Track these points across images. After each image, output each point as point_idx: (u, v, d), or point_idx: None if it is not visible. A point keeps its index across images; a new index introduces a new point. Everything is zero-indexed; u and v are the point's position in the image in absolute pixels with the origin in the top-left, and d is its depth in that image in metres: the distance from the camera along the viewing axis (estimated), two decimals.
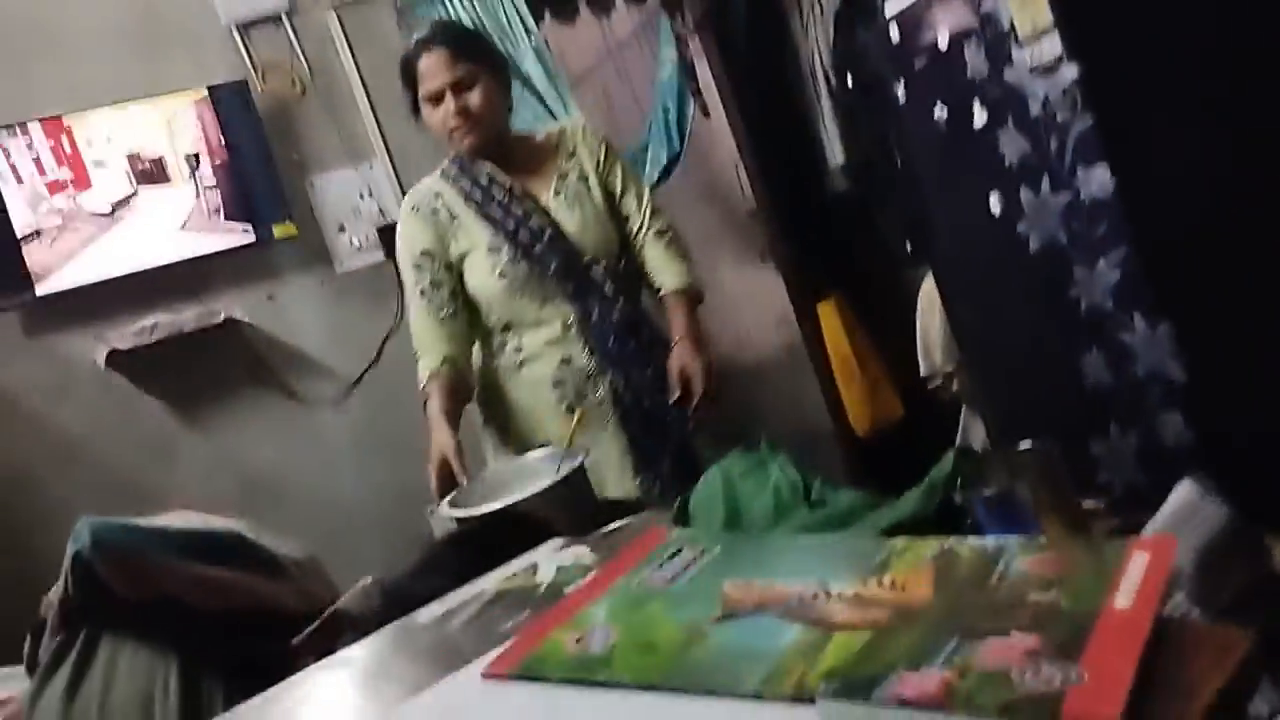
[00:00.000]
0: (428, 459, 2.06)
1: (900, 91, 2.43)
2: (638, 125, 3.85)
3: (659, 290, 2.28)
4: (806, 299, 3.39)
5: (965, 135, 2.27)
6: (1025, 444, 1.02)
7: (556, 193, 2.25)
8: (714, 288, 3.91)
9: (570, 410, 2.18)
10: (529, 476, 2.05)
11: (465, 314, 2.23)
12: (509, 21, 3.57)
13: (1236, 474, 1.99)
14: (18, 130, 2.98)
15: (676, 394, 2.16)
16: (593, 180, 2.27)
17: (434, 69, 2.16)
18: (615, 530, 1.55)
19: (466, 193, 2.23)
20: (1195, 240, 2.03)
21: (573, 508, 1.86)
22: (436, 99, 2.17)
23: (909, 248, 2.87)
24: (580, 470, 1.93)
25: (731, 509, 1.42)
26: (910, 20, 2.37)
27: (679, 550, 1.02)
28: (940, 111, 2.33)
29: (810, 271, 3.39)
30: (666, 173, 3.55)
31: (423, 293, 2.20)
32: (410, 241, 2.23)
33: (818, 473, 1.63)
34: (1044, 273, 2.21)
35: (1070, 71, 2.02)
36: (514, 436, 2.28)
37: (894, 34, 2.40)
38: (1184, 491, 0.87)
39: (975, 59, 2.20)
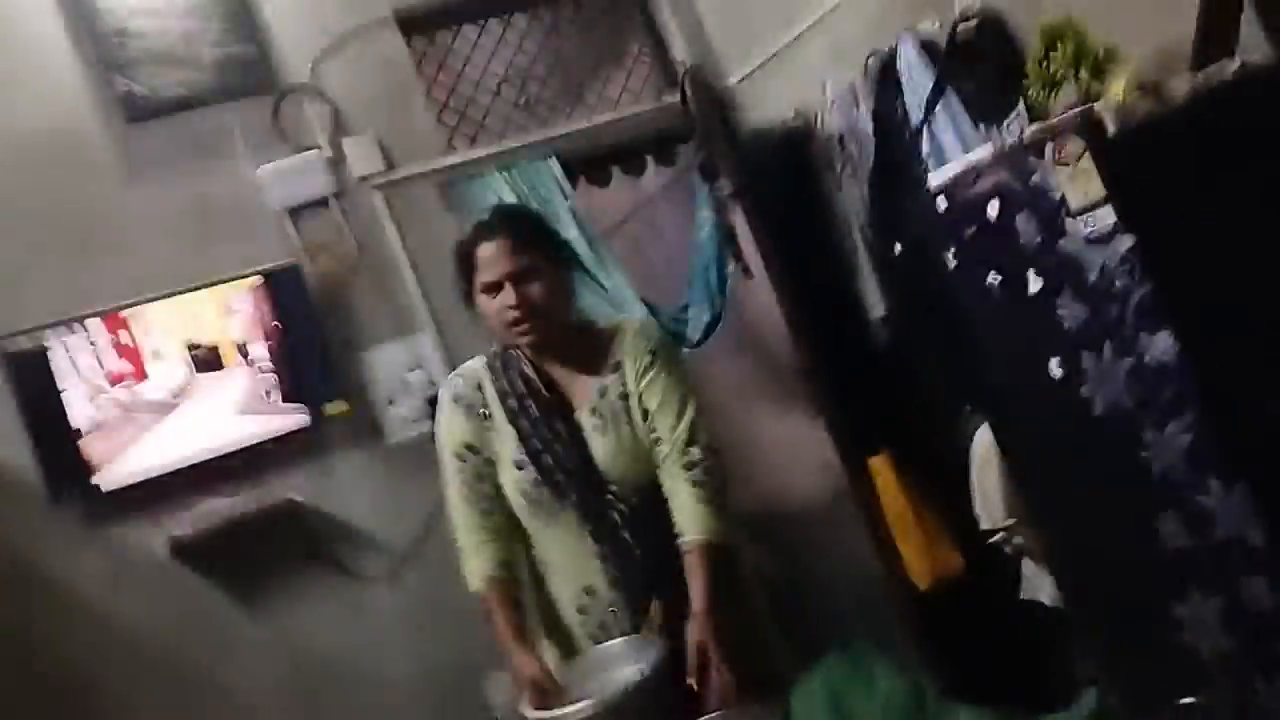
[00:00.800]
0: (514, 680, 2.04)
1: (950, 258, 2.48)
2: (669, 280, 3.92)
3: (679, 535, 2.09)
4: (855, 452, 3.39)
5: (1021, 301, 2.30)
6: (1186, 700, 1.00)
7: (593, 411, 2.15)
8: (757, 441, 3.93)
9: (595, 640, 2.12)
10: (608, 669, 2.04)
11: (508, 509, 2.18)
12: (548, 190, 3.67)
13: None
14: (77, 326, 3.04)
15: (693, 678, 1.95)
16: (633, 399, 2.15)
17: (494, 258, 2.10)
18: None
19: (504, 393, 2.17)
20: (1266, 401, 2.04)
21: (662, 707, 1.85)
22: (494, 288, 2.11)
23: (968, 406, 2.88)
24: (660, 669, 1.91)
25: None
26: (956, 190, 2.43)
27: None
28: (993, 278, 2.36)
29: (857, 424, 3.40)
30: (709, 332, 3.59)
31: (464, 484, 2.16)
32: (450, 433, 2.19)
33: (890, 644, 1.61)
34: (1112, 436, 2.21)
35: (1125, 241, 2.06)
36: (554, 632, 2.22)
37: (940, 204, 2.45)
38: None
39: (1027, 228, 2.24)
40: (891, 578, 3.22)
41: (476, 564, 2.14)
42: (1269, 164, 2.11)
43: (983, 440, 2.82)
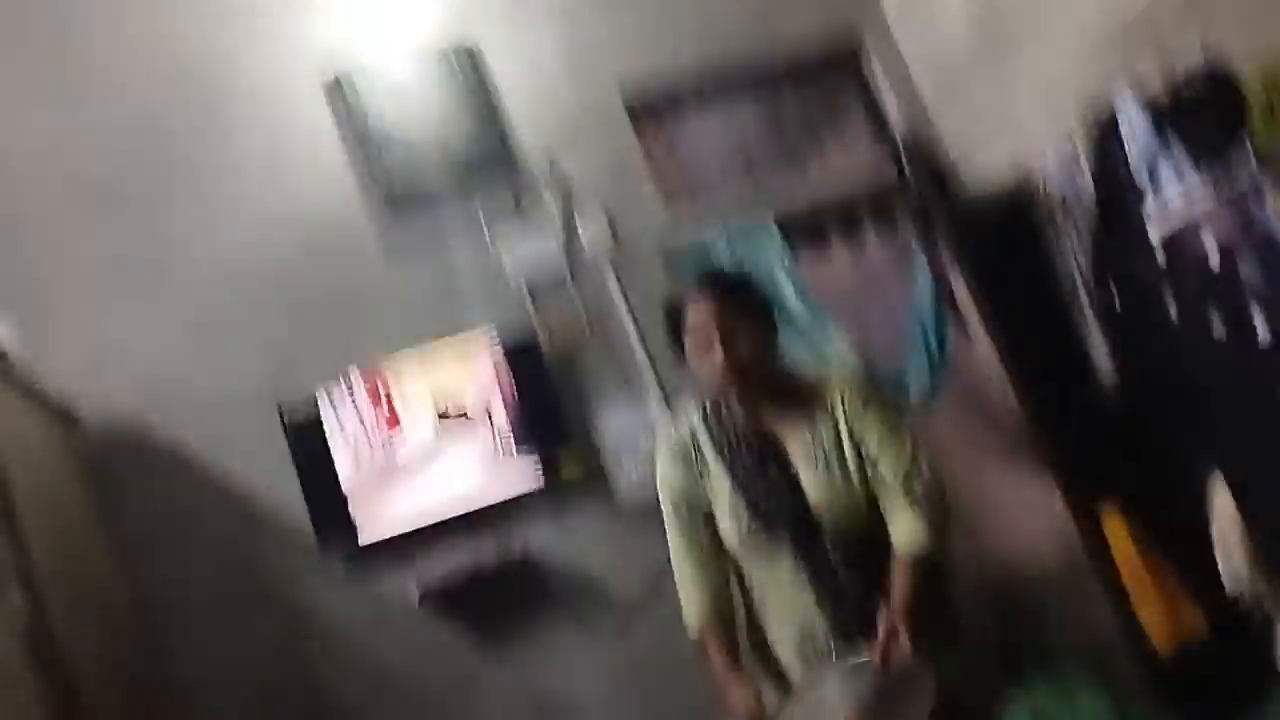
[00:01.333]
0: (730, 713, 2.13)
1: (1173, 310, 2.44)
2: (894, 348, 3.95)
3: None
4: (1085, 509, 3.31)
5: (1250, 348, 2.25)
6: None
7: (806, 455, 2.23)
8: (984, 503, 3.88)
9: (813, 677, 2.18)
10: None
11: (725, 556, 2.29)
12: (766, 254, 3.80)
13: None
14: (342, 384, 3.38)
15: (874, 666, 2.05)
16: (847, 442, 2.22)
17: (703, 319, 2.20)
18: None
19: (718, 442, 2.27)
20: None
21: None
22: (704, 348, 2.21)
23: (1202, 462, 2.78)
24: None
25: None
26: (1178, 241, 2.40)
27: None
28: (1219, 328, 2.31)
29: (1087, 481, 3.32)
30: (932, 392, 3.61)
31: (683, 533, 2.28)
32: (668, 485, 2.31)
33: (1124, 700, 1.59)
34: None
35: None
36: (772, 675, 2.29)
37: (1160, 258, 2.42)
38: None
39: (1253, 275, 2.19)
40: (1130, 639, 3.10)
41: (695, 609, 2.26)
42: None
43: (1222, 498, 2.72)
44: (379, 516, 3.34)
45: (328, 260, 3.62)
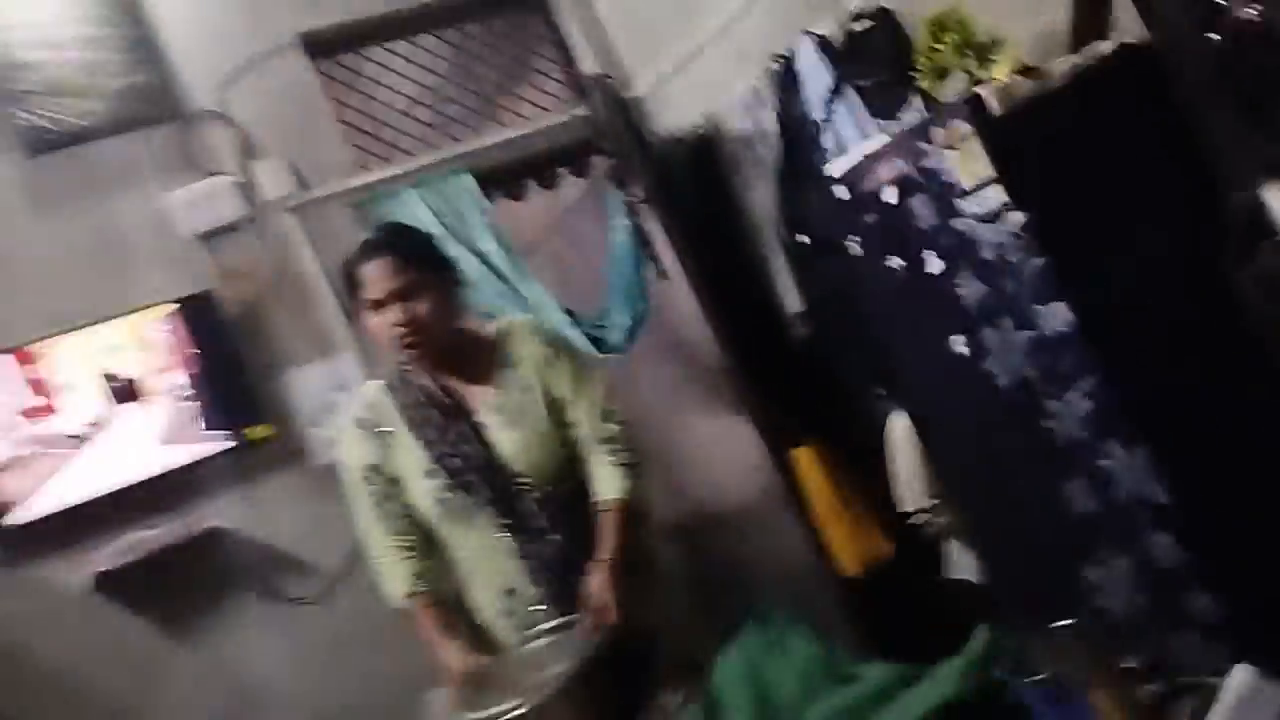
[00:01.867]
0: (446, 680, 2.09)
1: (854, 245, 2.54)
2: (590, 289, 3.95)
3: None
4: (782, 446, 3.44)
5: (923, 282, 2.37)
6: (1064, 622, 1.04)
7: (498, 409, 2.19)
8: (684, 441, 3.97)
9: (524, 641, 2.14)
10: (540, 666, 2.05)
11: (419, 523, 2.21)
12: (463, 205, 3.68)
13: (1234, 585, 2.04)
14: None
15: (586, 620, 2.04)
16: (537, 390, 2.20)
17: (378, 276, 2.13)
18: None
19: (404, 407, 2.20)
20: (1159, 364, 2.12)
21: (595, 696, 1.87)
22: (379, 305, 2.13)
23: (881, 392, 2.94)
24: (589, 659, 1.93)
25: (759, 692, 1.42)
26: (855, 179, 2.49)
27: None
28: (895, 262, 2.43)
29: (783, 418, 3.45)
30: (632, 336, 3.63)
31: (375, 505, 2.19)
32: (354, 456, 2.22)
33: (824, 632, 1.65)
34: (1016, 407, 2.28)
35: (1016, 217, 2.13)
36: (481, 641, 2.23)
37: (841, 193, 2.51)
38: (1241, 677, 0.89)
39: (924, 211, 2.30)
40: (820, 565, 3.27)
41: (395, 581, 2.17)
42: (1145, 137, 2.20)
43: (897, 425, 2.89)
44: (37, 499, 2.98)
45: None
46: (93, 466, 3.05)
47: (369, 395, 2.26)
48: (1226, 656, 1.10)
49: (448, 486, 2.16)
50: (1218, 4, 2.09)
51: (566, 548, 2.15)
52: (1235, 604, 2.01)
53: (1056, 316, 2.13)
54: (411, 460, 2.18)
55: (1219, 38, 2.09)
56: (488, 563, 2.19)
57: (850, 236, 2.49)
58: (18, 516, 2.94)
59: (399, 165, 3.78)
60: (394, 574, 2.16)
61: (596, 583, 2.06)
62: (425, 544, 2.21)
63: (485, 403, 2.20)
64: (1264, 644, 1.81)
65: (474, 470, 2.15)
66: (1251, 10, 2.02)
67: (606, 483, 2.16)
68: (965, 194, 2.19)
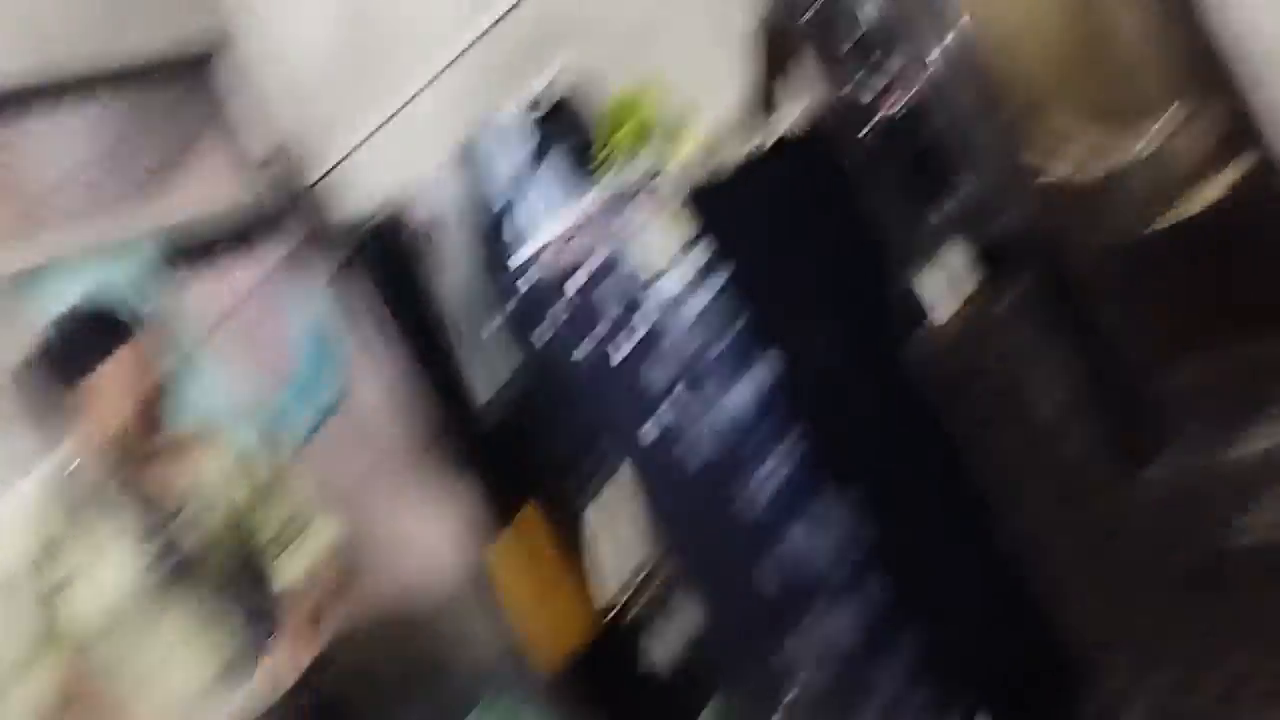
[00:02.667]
0: None
1: (543, 330, 2.46)
2: (277, 380, 3.74)
3: None
4: (479, 537, 3.34)
5: (608, 365, 2.32)
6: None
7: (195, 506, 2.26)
8: (382, 535, 3.79)
9: None
10: None
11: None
12: (138, 287, 3.38)
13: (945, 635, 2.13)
14: None
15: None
16: (224, 499, 2.30)
17: (120, 369, 2.09)
18: None
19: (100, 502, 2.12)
20: (854, 435, 2.21)
21: None
22: (109, 406, 2.09)
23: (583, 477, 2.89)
24: None
25: None
26: (541, 266, 2.45)
27: None
28: (582, 351, 2.37)
29: (481, 509, 3.35)
30: (318, 425, 3.46)
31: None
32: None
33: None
34: (711, 486, 2.27)
35: (703, 295, 2.15)
36: None
37: (523, 284, 2.44)
38: None
39: (610, 295, 2.28)
40: (523, 656, 3.18)
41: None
42: (827, 207, 2.31)
43: (594, 516, 2.87)
44: None
45: None
46: None
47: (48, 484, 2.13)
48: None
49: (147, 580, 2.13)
50: (866, 105, 2.24)
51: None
52: (942, 655, 2.10)
53: (750, 386, 2.15)
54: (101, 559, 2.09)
55: (870, 134, 2.24)
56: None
57: (537, 323, 2.44)
58: None
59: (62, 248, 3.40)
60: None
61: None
62: None
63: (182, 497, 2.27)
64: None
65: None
66: (894, 104, 2.18)
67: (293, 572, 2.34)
68: (659, 274, 2.18)
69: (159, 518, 2.13)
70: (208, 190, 3.81)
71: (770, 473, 2.19)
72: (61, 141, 3.64)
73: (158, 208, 3.72)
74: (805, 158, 2.38)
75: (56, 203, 3.57)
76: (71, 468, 2.10)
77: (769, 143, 2.41)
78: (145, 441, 2.13)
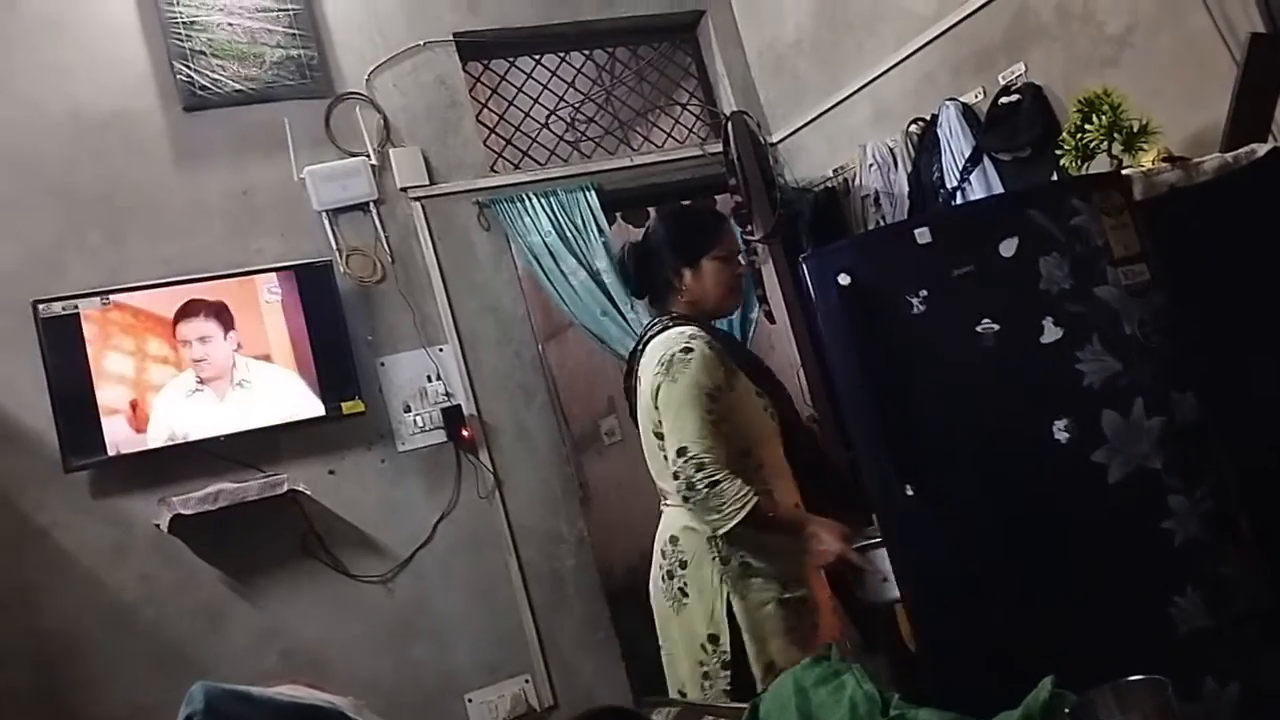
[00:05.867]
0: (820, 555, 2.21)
1: (918, 300, 2.18)
2: None
3: None
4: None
5: (1026, 352, 2.16)
6: (1135, 678, 1.00)
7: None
8: None
9: None
10: None
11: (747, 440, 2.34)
12: (584, 221, 3.73)
13: None
14: (109, 298, 3.10)
15: None
16: None
17: (734, 236, 2.54)
18: None
19: (726, 347, 2.41)
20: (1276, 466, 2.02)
21: None
22: (728, 259, 2.43)
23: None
24: None
25: (806, 717, 1.39)
26: (952, 226, 2.27)
27: None
28: (986, 325, 2.18)
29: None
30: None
31: (719, 421, 2.25)
32: (708, 377, 2.27)
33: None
34: (1129, 501, 2.06)
35: (1159, 298, 2.03)
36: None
37: (923, 237, 2.18)
38: None
39: (1055, 273, 2.12)
40: None
41: (739, 489, 2.18)
42: None
43: None
44: (139, 435, 3.07)
45: (113, 159, 3.31)
46: (193, 413, 3.13)
47: (702, 334, 2.35)
48: None
49: (773, 405, 2.37)
50: None
51: None
52: None
53: (1186, 404, 2.01)
54: (745, 383, 2.34)
55: None
56: (786, 474, 2.37)
57: (919, 290, 2.17)
58: (116, 449, 3.03)
59: (528, 173, 3.85)
60: (735, 484, 2.18)
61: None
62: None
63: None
64: None
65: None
66: None
67: None
68: (1115, 262, 2.06)
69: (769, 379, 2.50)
70: (675, 141, 4.11)
71: (1177, 518, 2.00)
72: (556, 83, 4.05)
73: (628, 151, 4.06)
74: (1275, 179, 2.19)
75: (542, 136, 3.98)
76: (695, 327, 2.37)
77: (1243, 160, 2.25)
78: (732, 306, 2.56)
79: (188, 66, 3.40)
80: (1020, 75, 3.05)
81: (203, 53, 3.43)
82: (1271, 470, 2.02)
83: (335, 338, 3.34)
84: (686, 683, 2.30)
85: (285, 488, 3.15)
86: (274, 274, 3.30)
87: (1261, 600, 1.96)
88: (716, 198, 3.97)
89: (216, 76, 3.43)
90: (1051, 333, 2.08)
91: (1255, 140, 2.36)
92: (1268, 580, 1.95)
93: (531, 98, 4.02)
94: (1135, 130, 2.47)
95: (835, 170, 3.70)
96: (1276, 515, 2.00)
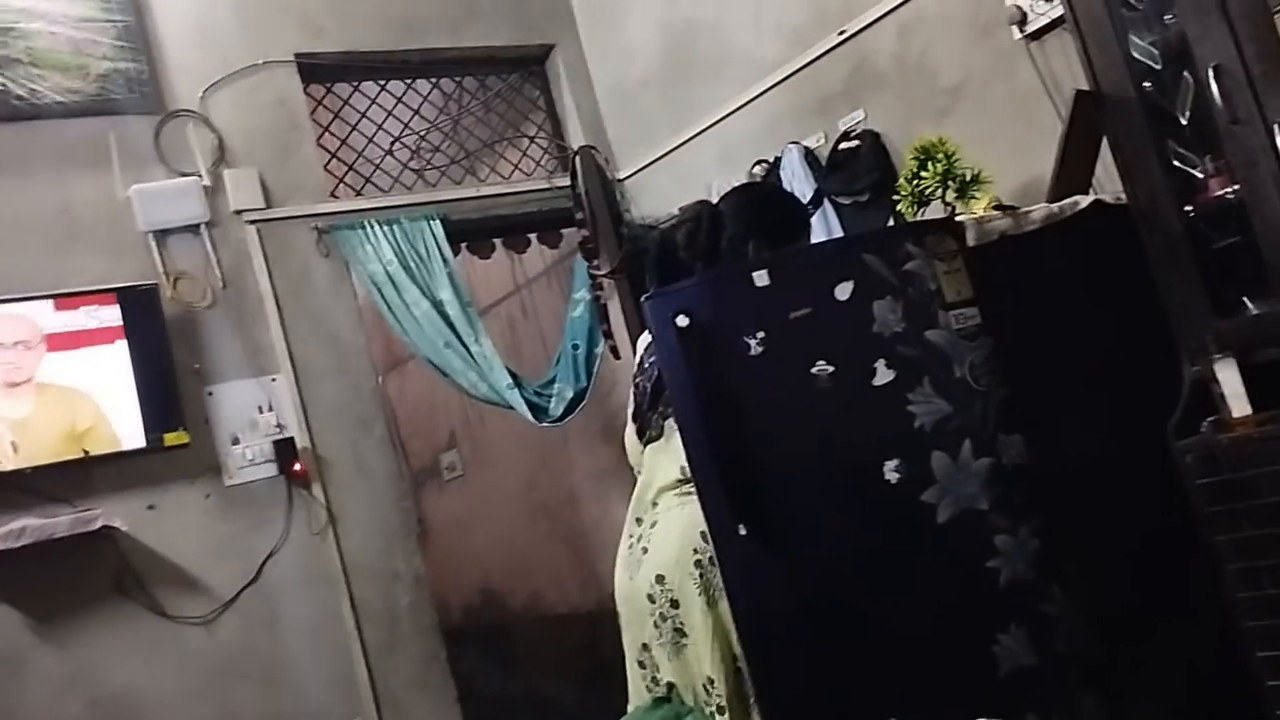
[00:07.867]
0: None
1: (755, 342, 2.16)
2: (540, 359, 3.92)
3: None
4: None
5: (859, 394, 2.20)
6: None
7: None
8: (610, 526, 3.90)
9: None
10: None
11: None
12: (428, 251, 3.66)
13: None
14: None
15: None
16: None
17: None
18: None
19: None
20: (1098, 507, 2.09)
21: None
22: None
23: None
24: None
25: None
26: (789, 269, 2.29)
27: None
28: (820, 367, 2.22)
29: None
30: (570, 409, 3.59)
31: None
32: None
33: None
34: (958, 542, 2.13)
35: (988, 341, 2.08)
36: None
37: (761, 279, 2.17)
38: None
39: (888, 316, 2.17)
40: None
41: None
42: (1113, 286, 2.23)
43: None
44: None
45: None
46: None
47: None
48: None
49: None
50: (1194, 177, 2.16)
51: None
52: None
53: (1013, 446, 2.07)
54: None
55: (1192, 210, 2.15)
56: None
57: (755, 331, 2.14)
58: None
59: (370, 199, 3.76)
60: None
61: None
62: None
63: None
64: None
65: None
66: (1227, 188, 2.09)
67: None
68: (946, 306, 2.11)
69: None
70: (521, 173, 4.07)
71: (1028, 534, 2.06)
72: (402, 110, 3.97)
73: (473, 181, 4.01)
74: (1104, 229, 2.30)
75: (385, 162, 3.89)
76: None
77: (1069, 210, 2.36)
78: None
79: (3, 75, 3.20)
80: (860, 122, 3.14)
81: (20, 60, 3.23)
82: (1094, 511, 2.09)
83: (159, 365, 3.17)
84: (713, 674, 2.26)
85: (99, 524, 2.97)
86: (94, 296, 3.12)
87: (1083, 640, 2.02)
88: (563, 231, 3.97)
89: (35, 87, 3.24)
90: (884, 375, 2.11)
91: (1078, 192, 2.48)
92: (1090, 620, 2.01)
93: (376, 124, 3.93)
94: (968, 179, 2.56)
95: (679, 209, 3.73)
96: (1102, 556, 2.07)
